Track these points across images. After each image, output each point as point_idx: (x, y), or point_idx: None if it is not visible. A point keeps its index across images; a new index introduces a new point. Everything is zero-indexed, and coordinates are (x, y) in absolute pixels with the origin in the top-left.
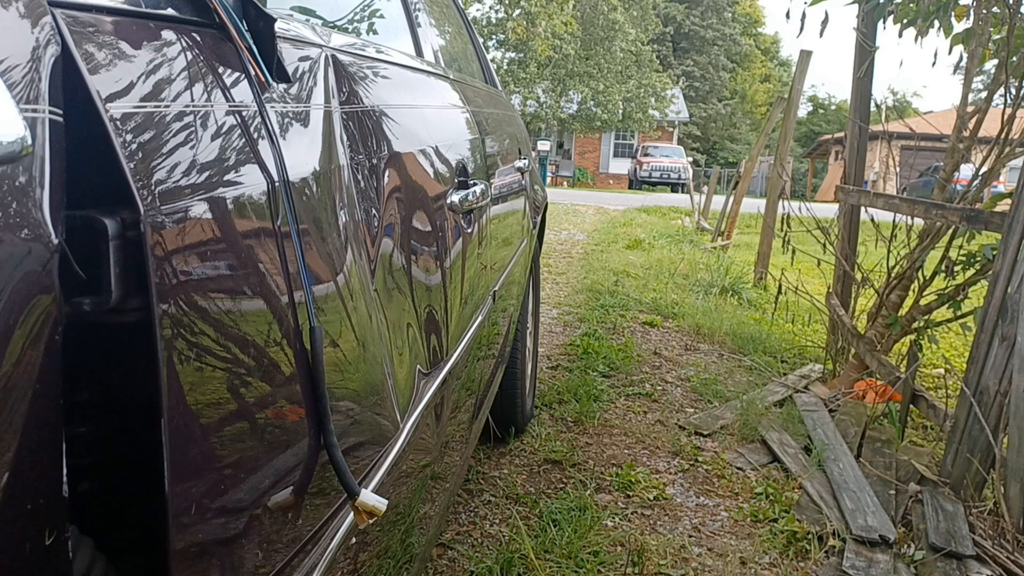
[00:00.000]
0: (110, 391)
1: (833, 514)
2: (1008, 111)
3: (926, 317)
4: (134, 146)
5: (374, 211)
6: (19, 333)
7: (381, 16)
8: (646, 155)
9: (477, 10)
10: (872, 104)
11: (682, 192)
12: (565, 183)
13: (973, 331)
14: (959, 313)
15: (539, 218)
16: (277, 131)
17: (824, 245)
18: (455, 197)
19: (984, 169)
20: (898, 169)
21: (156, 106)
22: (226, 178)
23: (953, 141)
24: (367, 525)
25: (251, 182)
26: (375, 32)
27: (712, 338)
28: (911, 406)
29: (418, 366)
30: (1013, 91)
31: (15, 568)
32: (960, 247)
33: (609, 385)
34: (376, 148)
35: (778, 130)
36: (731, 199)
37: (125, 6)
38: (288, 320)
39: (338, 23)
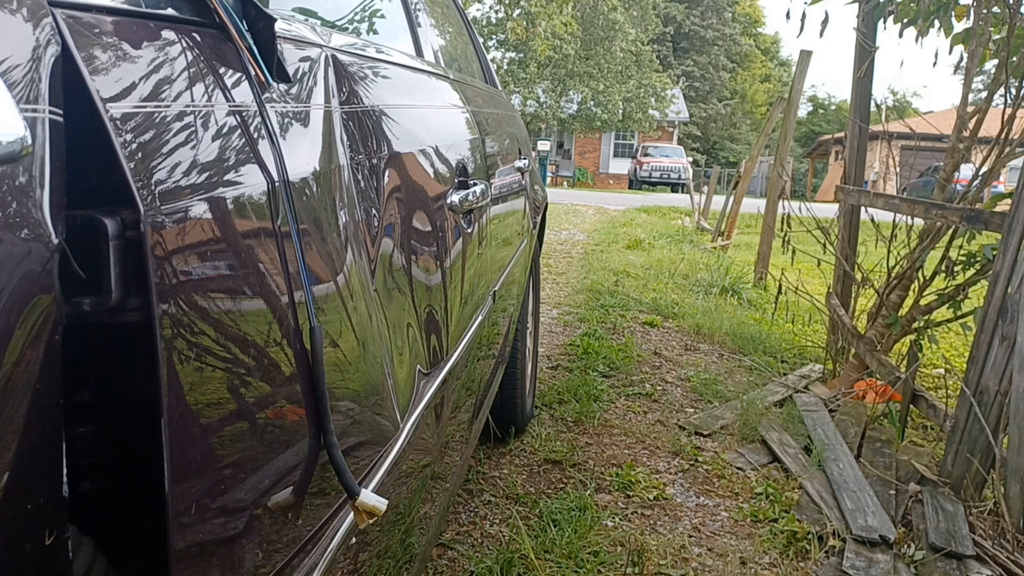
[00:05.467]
0: (110, 391)
1: (833, 514)
2: (1008, 111)
3: (926, 317)
4: (134, 146)
5: (374, 211)
6: (19, 333)
7: (381, 16)
8: (646, 155)
9: (477, 10)
10: (872, 104)
11: (682, 192)
12: (565, 183)
13: (973, 331)
14: (959, 313)
15: (539, 218)
16: (277, 131)
17: (824, 245)
18: (455, 197)
19: (984, 169)
20: (898, 169)
21: (156, 106)
22: (226, 178)
23: (953, 141)
24: (367, 525)
25: (251, 182)
26: (375, 32)
27: (712, 338)
28: (911, 406)
29: (418, 366)
30: (1013, 91)
31: (15, 568)
32: (960, 247)
33: (609, 385)
34: (376, 148)
35: (778, 130)
36: (731, 199)
37: (125, 6)
38: (288, 320)
39: (338, 23)
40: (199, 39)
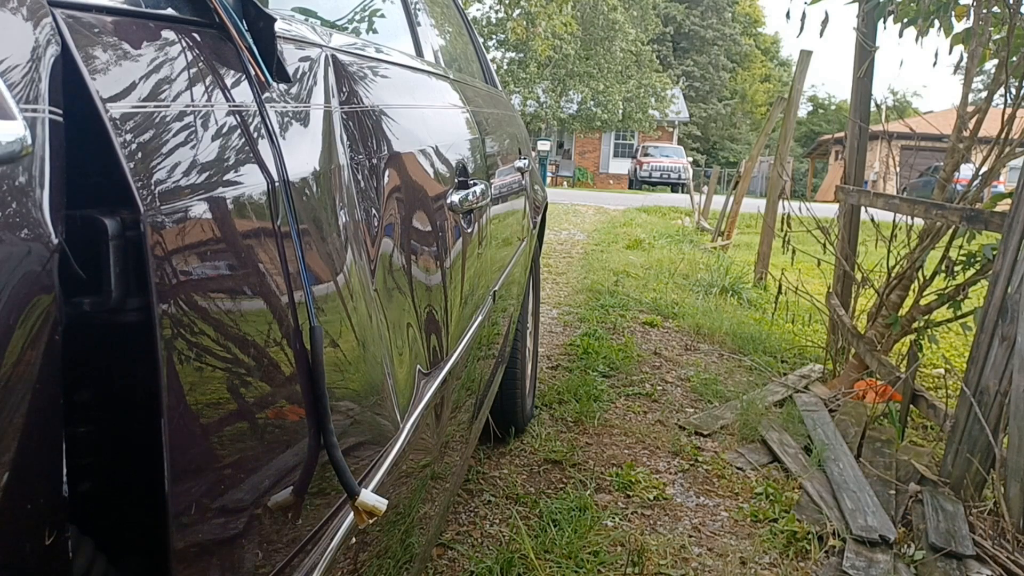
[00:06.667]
0: (110, 391)
1: (833, 514)
2: (1008, 111)
3: (926, 317)
4: (134, 146)
5: (374, 211)
6: (19, 333)
7: (381, 16)
8: (646, 155)
9: (477, 10)
10: (872, 104)
11: (682, 192)
12: (565, 183)
13: (973, 331)
14: (959, 313)
15: (539, 218)
16: (277, 131)
17: (824, 245)
18: (455, 197)
19: (984, 169)
20: (898, 169)
21: (156, 106)
22: (226, 178)
23: (953, 141)
24: (367, 525)
25: (251, 182)
26: (375, 32)
27: (712, 338)
28: (911, 406)
29: (418, 366)
30: (1013, 91)
31: (15, 568)
32: (960, 247)
33: (609, 385)
34: (376, 148)
35: (778, 130)
36: (731, 199)
37: (125, 6)
38: (288, 320)
39: (338, 23)
40: (199, 39)
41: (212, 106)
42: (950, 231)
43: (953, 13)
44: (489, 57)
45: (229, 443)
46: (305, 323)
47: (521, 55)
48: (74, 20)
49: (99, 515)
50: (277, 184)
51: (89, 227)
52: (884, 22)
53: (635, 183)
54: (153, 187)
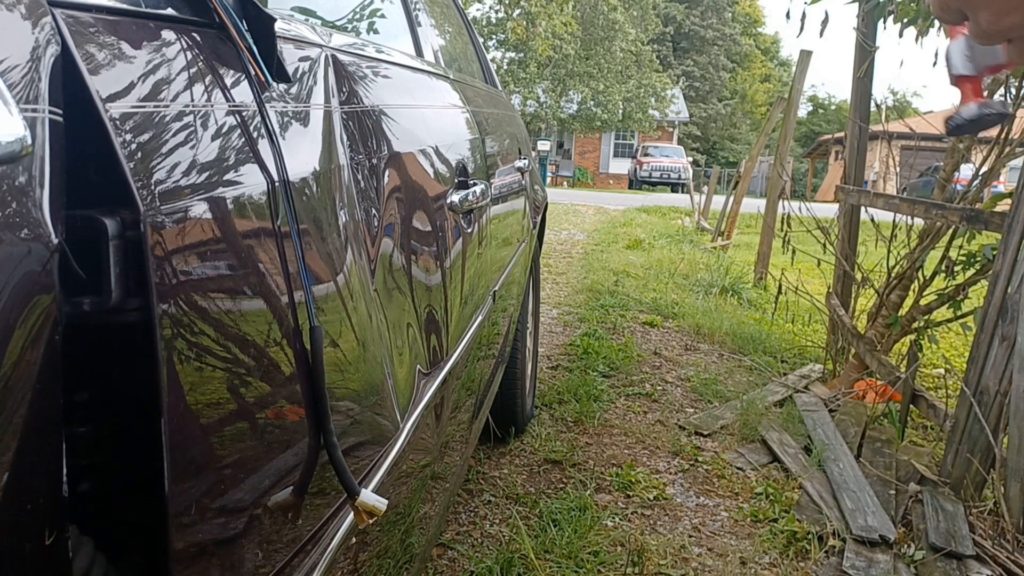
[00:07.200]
0: (110, 391)
1: (833, 514)
2: None
3: (926, 317)
4: (134, 146)
5: (374, 211)
6: (19, 333)
7: (381, 16)
8: (646, 155)
9: (477, 10)
10: (872, 104)
11: (682, 192)
12: (565, 183)
13: (973, 331)
14: (959, 313)
15: (539, 218)
16: (277, 131)
17: (824, 245)
18: (455, 197)
19: (984, 169)
20: (898, 169)
21: (156, 106)
22: (226, 178)
23: (953, 141)
24: (367, 525)
25: (251, 182)
26: (375, 32)
27: (712, 338)
28: (911, 406)
29: (418, 366)
30: (1013, 91)
31: (15, 568)
32: (960, 247)
33: (609, 385)
34: (376, 148)
35: (778, 130)
36: (731, 199)
37: (125, 6)
38: (288, 320)
39: (338, 23)
40: (199, 39)
41: (212, 106)
42: (950, 231)
43: None
44: (489, 57)
45: (229, 443)
46: (305, 323)
47: (521, 55)
48: (74, 20)
49: (99, 515)
50: (277, 184)
51: (89, 227)
52: (884, 22)
53: (635, 183)
54: (153, 187)
